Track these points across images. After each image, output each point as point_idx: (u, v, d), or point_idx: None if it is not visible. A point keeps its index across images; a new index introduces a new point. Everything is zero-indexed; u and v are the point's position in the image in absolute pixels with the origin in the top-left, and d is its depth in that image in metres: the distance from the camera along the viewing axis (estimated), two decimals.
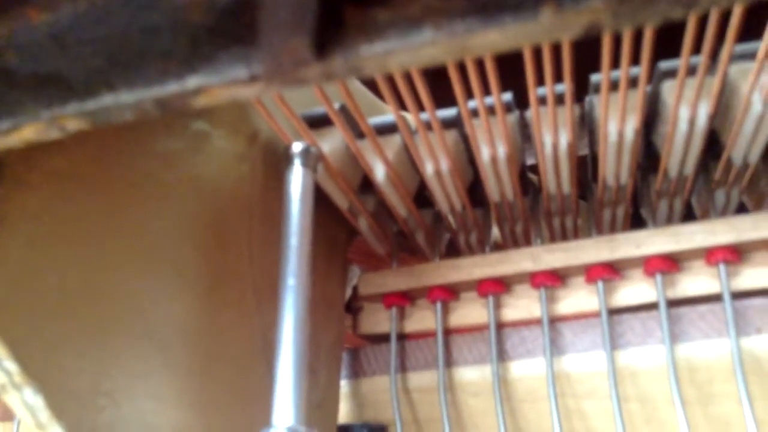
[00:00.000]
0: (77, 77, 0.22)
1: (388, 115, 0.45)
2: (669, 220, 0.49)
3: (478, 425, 0.47)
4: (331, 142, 0.41)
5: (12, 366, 0.27)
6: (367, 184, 0.45)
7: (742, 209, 0.48)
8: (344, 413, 0.50)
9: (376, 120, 0.43)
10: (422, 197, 0.48)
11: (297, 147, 0.33)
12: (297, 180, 0.33)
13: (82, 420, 0.29)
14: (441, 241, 0.52)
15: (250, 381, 0.39)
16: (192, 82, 0.21)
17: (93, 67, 0.21)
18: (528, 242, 0.52)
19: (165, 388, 0.33)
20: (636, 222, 0.50)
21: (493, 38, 0.19)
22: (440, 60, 0.19)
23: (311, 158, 0.34)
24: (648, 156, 0.45)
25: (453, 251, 0.54)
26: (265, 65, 0.20)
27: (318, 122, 0.42)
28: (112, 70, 0.21)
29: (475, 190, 0.47)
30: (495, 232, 0.52)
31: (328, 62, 0.20)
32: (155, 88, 0.21)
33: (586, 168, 0.48)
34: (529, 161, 0.50)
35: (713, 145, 0.42)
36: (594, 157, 0.46)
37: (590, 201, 0.49)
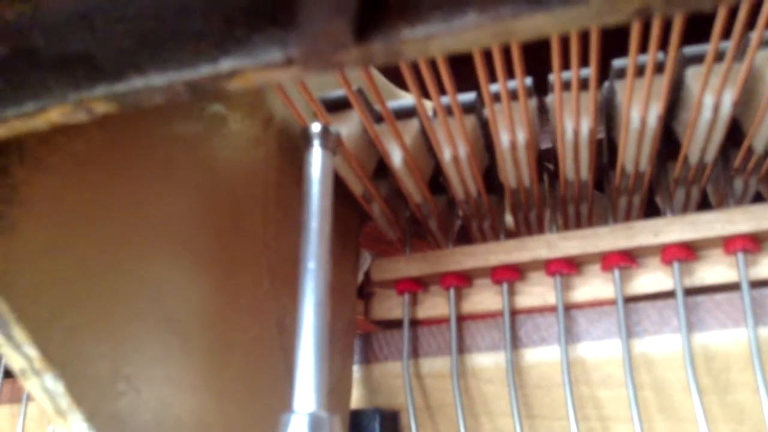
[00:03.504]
0: (106, 58, 0.21)
1: (404, 98, 0.44)
2: (685, 208, 0.49)
3: (491, 412, 0.47)
4: (347, 126, 0.41)
5: (32, 351, 0.27)
6: (380, 169, 0.44)
7: (757, 198, 0.47)
8: (356, 399, 0.50)
9: (394, 104, 0.42)
10: (435, 183, 0.47)
11: (316, 127, 0.32)
12: (316, 162, 0.32)
13: (102, 406, 0.29)
14: (453, 228, 0.51)
15: (267, 366, 0.38)
16: (225, 64, 0.20)
17: (123, 48, 0.21)
18: (541, 229, 0.52)
19: (183, 372, 0.33)
20: (648, 210, 0.49)
21: (540, 22, 0.18)
22: (484, 44, 0.19)
23: (331, 139, 0.33)
24: (667, 143, 0.45)
25: (465, 237, 0.53)
26: (302, 48, 0.20)
27: (334, 106, 0.42)
28: (143, 51, 0.21)
29: (489, 176, 0.46)
30: (507, 218, 0.52)
31: (367, 46, 0.19)
32: (187, 70, 0.21)
33: (601, 154, 0.48)
34: (542, 147, 0.50)
35: (734, 132, 0.41)
36: (611, 144, 0.45)
37: (606, 188, 0.48)
